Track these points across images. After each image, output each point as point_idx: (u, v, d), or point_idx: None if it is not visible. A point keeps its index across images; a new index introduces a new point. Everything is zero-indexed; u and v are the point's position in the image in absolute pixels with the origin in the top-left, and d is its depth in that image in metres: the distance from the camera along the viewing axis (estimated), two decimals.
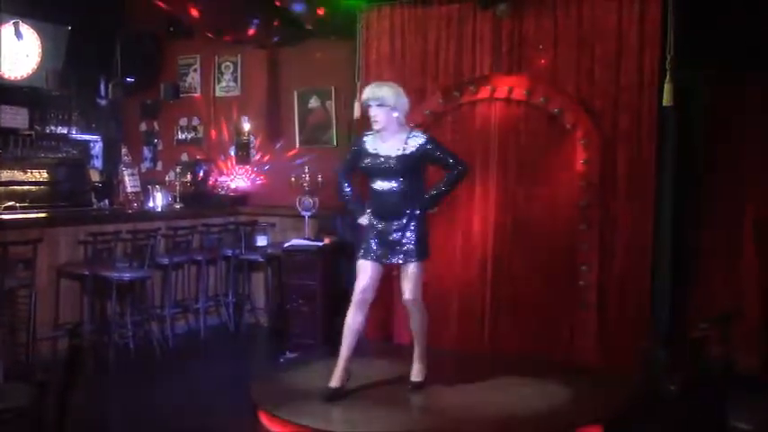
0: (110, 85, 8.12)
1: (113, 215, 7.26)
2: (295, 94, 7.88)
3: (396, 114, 4.70)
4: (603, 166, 5.48)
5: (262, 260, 7.62)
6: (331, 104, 7.72)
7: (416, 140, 4.72)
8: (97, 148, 8.93)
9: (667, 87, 5.18)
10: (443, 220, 5.81)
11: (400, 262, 4.76)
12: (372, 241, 4.78)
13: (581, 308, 5.52)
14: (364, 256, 4.81)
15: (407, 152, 4.69)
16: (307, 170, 6.93)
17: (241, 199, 8.18)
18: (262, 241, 7.74)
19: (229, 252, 7.57)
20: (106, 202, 7.85)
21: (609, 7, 5.45)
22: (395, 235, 4.72)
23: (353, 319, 4.81)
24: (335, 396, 4.73)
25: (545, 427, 4.41)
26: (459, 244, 5.99)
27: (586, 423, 4.36)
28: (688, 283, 5.63)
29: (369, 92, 4.73)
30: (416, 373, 4.99)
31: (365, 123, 6.22)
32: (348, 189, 4.98)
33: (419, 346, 5.00)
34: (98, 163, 8.87)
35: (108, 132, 8.96)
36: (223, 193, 8.20)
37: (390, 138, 4.73)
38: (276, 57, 7.99)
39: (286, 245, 6.72)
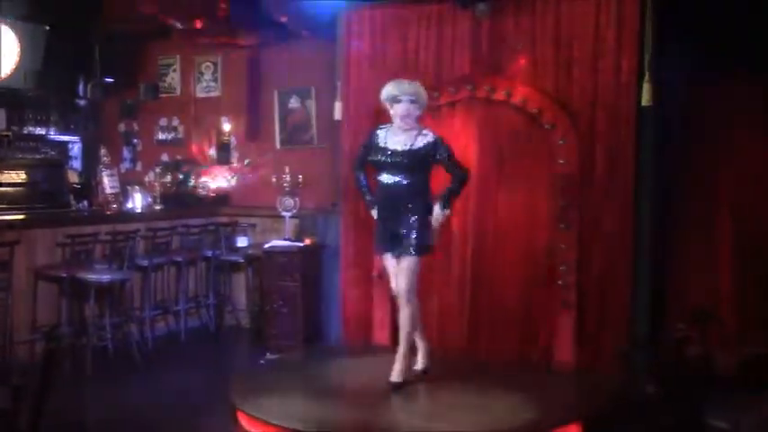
0: (88, 86, 8.06)
1: (92, 216, 7.19)
2: (275, 94, 7.86)
3: (419, 113, 4.83)
4: (582, 166, 5.49)
5: (242, 261, 7.59)
6: (311, 104, 7.70)
7: (426, 138, 4.79)
8: (76, 148, 8.84)
9: (646, 87, 5.20)
10: None
11: (398, 254, 4.83)
12: (382, 235, 4.91)
13: (561, 307, 5.52)
14: (379, 251, 5.01)
15: (415, 148, 4.77)
16: (287, 170, 6.91)
17: (221, 199, 8.15)
18: (242, 242, 7.72)
19: (209, 253, 7.53)
20: (85, 203, 7.77)
21: (587, 7, 5.46)
22: (398, 228, 4.81)
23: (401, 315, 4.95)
24: (400, 388, 4.84)
25: (524, 427, 4.40)
26: (438, 244, 5.98)
27: (565, 423, 4.36)
28: (667, 283, 5.67)
29: (404, 87, 4.78)
30: (396, 374, 4.94)
31: (350, 122, 6.24)
32: (364, 182, 5.09)
33: (403, 347, 4.94)
34: (77, 164, 8.78)
35: (87, 133, 8.88)
36: (203, 193, 8.16)
37: (403, 133, 4.82)
38: (256, 57, 7.96)
39: (266, 246, 6.70)
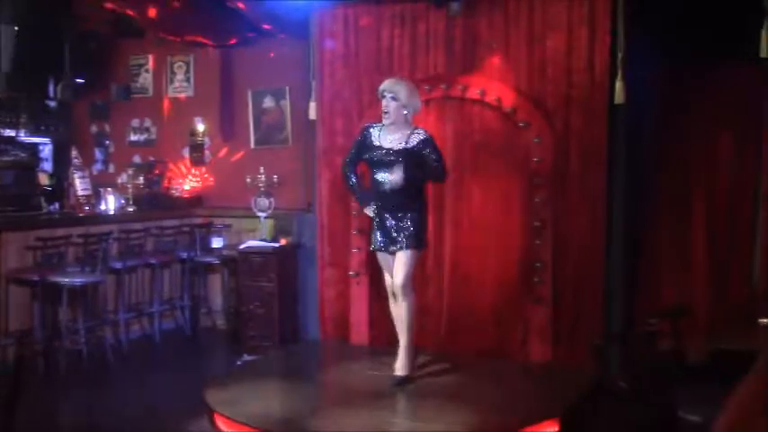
0: (59, 86, 7.94)
1: (64, 219, 7.10)
2: (249, 93, 7.82)
3: (405, 112, 4.94)
4: (556, 164, 5.53)
5: (217, 262, 7.55)
6: (286, 104, 7.68)
7: (418, 136, 4.94)
8: (46, 150, 8.72)
9: (618, 86, 5.24)
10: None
11: (394, 249, 4.95)
12: (378, 232, 5.01)
13: (536, 304, 5.56)
14: (375, 248, 5.06)
15: (409, 146, 4.91)
16: (262, 170, 6.88)
17: (196, 200, 8.10)
18: (217, 243, 7.68)
19: (184, 254, 7.48)
20: (56, 205, 7.67)
21: (559, 6, 5.49)
22: (393, 225, 4.93)
23: (395, 309, 5.10)
24: (405, 383, 4.95)
25: (501, 422, 4.43)
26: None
27: (541, 419, 4.39)
28: (640, 279, 5.72)
29: (386, 84, 4.98)
30: (399, 367, 5.02)
31: (325, 122, 6.23)
32: (354, 180, 5.16)
33: (403, 339, 5.05)
34: (48, 166, 8.66)
35: (58, 134, 8.76)
36: (177, 194, 8.10)
37: (395, 132, 4.95)
38: (229, 57, 7.92)
39: (242, 246, 6.67)
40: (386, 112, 4.93)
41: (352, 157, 5.15)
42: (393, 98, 4.91)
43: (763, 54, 4.62)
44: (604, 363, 5.25)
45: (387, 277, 5.13)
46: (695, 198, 5.71)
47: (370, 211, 5.09)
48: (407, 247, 4.91)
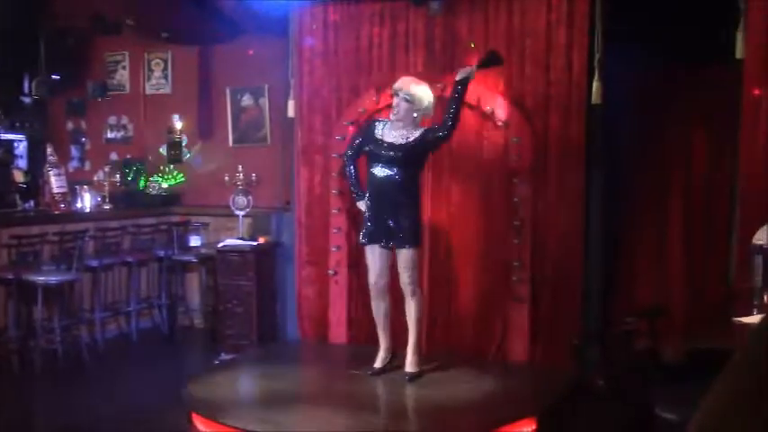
0: (34, 83, 7.84)
1: (39, 217, 7.02)
2: (227, 91, 7.77)
3: (415, 115, 4.92)
4: (535, 163, 5.55)
5: (195, 261, 7.50)
6: (265, 102, 7.64)
7: (419, 131, 4.95)
8: (21, 147, 8.61)
9: (596, 85, 5.27)
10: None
11: (393, 245, 4.94)
12: (371, 226, 4.98)
13: (514, 303, 5.58)
14: (365, 241, 5.02)
15: (410, 143, 4.90)
16: (240, 168, 6.84)
17: (173, 198, 8.03)
18: (195, 241, 7.63)
19: (162, 253, 7.42)
20: (31, 203, 7.59)
21: (538, 5, 5.52)
22: (391, 220, 4.91)
23: (377, 309, 5.14)
24: (379, 374, 5.03)
25: (479, 421, 4.45)
26: None
27: (518, 418, 4.41)
28: (618, 279, 5.77)
29: (405, 84, 4.94)
30: (410, 364, 5.05)
31: (304, 120, 6.21)
32: (352, 171, 5.14)
33: (413, 336, 5.07)
34: (23, 163, 8.56)
35: (33, 131, 8.65)
36: (154, 192, 8.03)
37: (401, 129, 4.95)
38: (208, 54, 7.87)
39: (220, 245, 6.63)
40: (395, 110, 4.92)
41: (354, 149, 5.14)
42: (407, 100, 4.88)
43: (738, 55, 4.68)
44: (582, 362, 5.29)
45: (372, 275, 5.08)
46: (672, 197, 5.77)
47: (362, 206, 5.08)
48: (411, 245, 4.93)
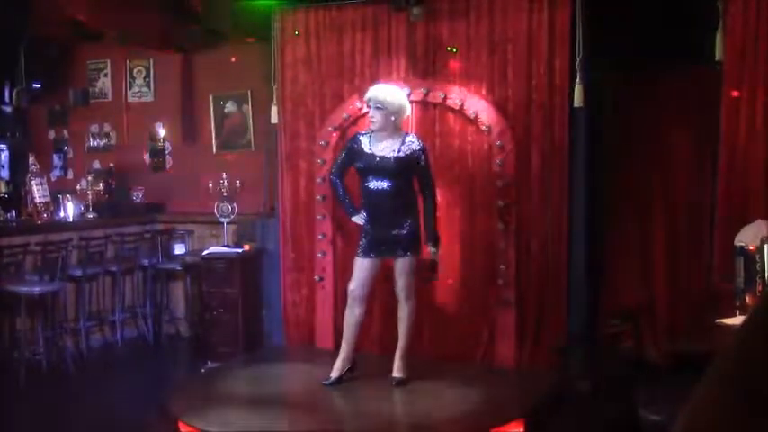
0: (14, 91, 7.78)
1: (21, 227, 6.96)
2: (210, 98, 7.75)
3: (393, 118, 4.88)
4: (518, 166, 5.57)
5: (180, 269, 7.46)
6: (248, 108, 7.62)
7: (412, 146, 4.94)
8: (2, 157, 8.50)
9: (577, 89, 5.29)
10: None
11: (396, 256, 4.94)
12: (368, 239, 4.94)
13: (500, 306, 5.59)
14: (362, 255, 4.96)
15: (402, 154, 4.88)
16: (224, 175, 6.82)
17: (157, 206, 7.98)
18: (179, 249, 7.60)
19: (146, 261, 7.38)
20: (13, 213, 7.52)
21: (520, 10, 5.54)
22: (390, 232, 4.89)
23: (351, 315, 5.06)
24: (336, 383, 4.97)
25: (465, 426, 4.45)
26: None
27: (504, 422, 4.42)
28: (602, 281, 5.79)
29: (373, 92, 4.92)
30: (398, 369, 5.03)
31: (287, 126, 6.20)
32: (342, 191, 5.13)
33: (404, 341, 5.06)
34: (4, 173, 8.45)
35: (14, 140, 8.56)
36: (138, 201, 7.99)
37: (385, 139, 4.91)
38: (190, 61, 7.84)
39: (205, 252, 6.61)
40: (372, 122, 4.90)
41: (340, 166, 5.10)
42: (378, 107, 4.85)
43: (717, 56, 4.72)
44: (568, 364, 5.31)
45: (354, 283, 5.01)
46: (655, 199, 5.80)
47: (360, 220, 5.02)
48: (411, 254, 4.93)
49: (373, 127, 4.92)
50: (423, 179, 5.02)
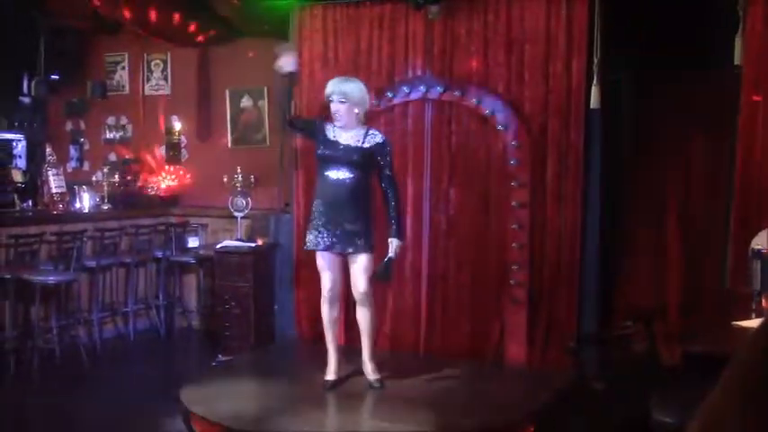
0: (33, 83, 7.85)
1: (37, 217, 7.02)
2: (227, 93, 7.78)
3: (356, 110, 4.80)
4: (534, 166, 5.57)
5: (193, 262, 7.50)
6: (263, 104, 7.65)
7: (375, 138, 4.84)
8: (20, 147, 8.61)
9: (594, 90, 5.28)
10: (377, 219, 5.81)
11: (350, 251, 4.79)
12: (322, 230, 4.80)
13: (512, 306, 5.59)
14: (316, 246, 4.83)
15: (366, 146, 4.80)
16: (239, 170, 6.85)
17: (172, 199, 8.03)
18: (193, 242, 7.63)
19: (160, 254, 7.42)
20: (29, 203, 7.59)
21: (537, 10, 5.54)
22: (345, 225, 4.75)
23: (329, 315, 4.97)
24: (334, 387, 4.90)
25: (476, 424, 4.45)
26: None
27: (516, 421, 4.42)
28: (615, 281, 5.78)
29: (333, 86, 4.81)
30: (373, 372, 4.96)
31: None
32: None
33: (367, 345, 4.97)
34: (21, 163, 8.55)
35: (31, 131, 8.65)
36: (153, 193, 8.03)
37: (351, 130, 4.84)
38: (207, 55, 7.87)
39: (218, 246, 6.63)
40: (337, 116, 4.79)
41: (302, 123, 5.23)
42: (341, 101, 4.75)
43: (737, 60, 4.70)
44: (580, 364, 5.29)
45: (327, 282, 4.89)
46: (670, 200, 5.78)
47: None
48: (367, 252, 4.79)
49: (338, 123, 4.80)
50: (386, 173, 4.87)
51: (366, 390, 4.92)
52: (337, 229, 4.76)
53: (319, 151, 4.87)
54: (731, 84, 4.83)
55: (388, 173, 4.89)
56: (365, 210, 4.83)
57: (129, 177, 8.01)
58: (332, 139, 4.83)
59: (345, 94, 4.76)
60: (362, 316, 4.93)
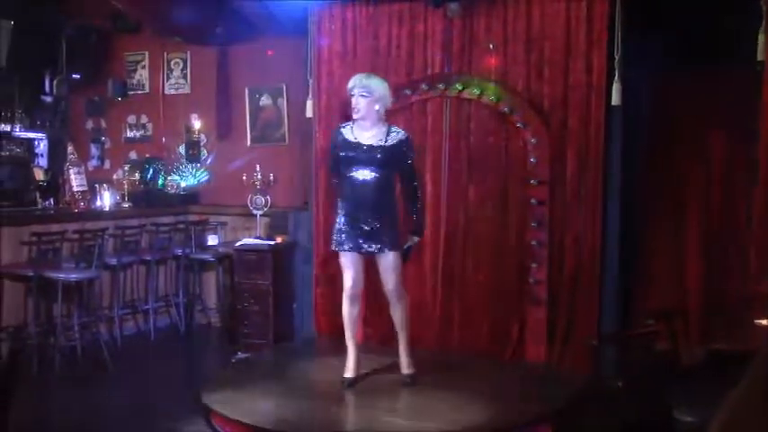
0: (55, 82, 7.91)
1: (59, 215, 7.09)
2: (246, 91, 7.81)
3: (377, 107, 4.80)
4: (553, 164, 5.54)
5: (213, 260, 7.54)
6: (283, 102, 7.67)
7: (398, 135, 4.84)
8: (42, 145, 8.69)
9: (615, 87, 5.26)
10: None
11: (378, 250, 4.79)
12: (348, 231, 4.81)
13: (531, 304, 5.57)
14: (342, 247, 4.84)
15: (389, 144, 4.79)
16: (258, 168, 6.87)
17: (191, 197, 8.08)
18: (213, 240, 7.67)
19: (180, 251, 7.47)
20: (51, 201, 7.66)
21: (557, 7, 5.51)
22: (371, 225, 4.75)
23: (350, 312, 4.98)
24: (353, 384, 4.91)
25: (495, 423, 4.43)
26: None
27: (535, 419, 4.41)
28: (636, 280, 5.74)
29: (356, 80, 4.83)
30: (408, 366, 4.99)
31: (322, 120, 6.22)
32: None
33: (403, 338, 5.01)
34: (43, 161, 8.64)
35: (53, 130, 8.73)
36: (173, 191, 8.08)
37: (371, 128, 4.82)
38: (226, 54, 7.90)
39: (237, 244, 6.66)
40: (356, 110, 4.79)
41: (333, 167, 5.03)
42: (363, 95, 4.76)
43: (760, 57, 4.64)
44: (600, 363, 5.26)
45: (349, 281, 4.89)
46: (691, 199, 5.74)
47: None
48: (394, 249, 4.80)
49: (357, 115, 4.79)
50: (409, 170, 4.90)
51: (384, 387, 4.92)
52: (364, 228, 4.77)
53: (342, 154, 4.85)
54: (754, 82, 4.77)
55: (411, 169, 4.91)
56: (391, 207, 4.85)
57: (149, 176, 8.06)
58: (353, 141, 4.82)
59: (368, 89, 4.77)
60: (396, 311, 4.97)
